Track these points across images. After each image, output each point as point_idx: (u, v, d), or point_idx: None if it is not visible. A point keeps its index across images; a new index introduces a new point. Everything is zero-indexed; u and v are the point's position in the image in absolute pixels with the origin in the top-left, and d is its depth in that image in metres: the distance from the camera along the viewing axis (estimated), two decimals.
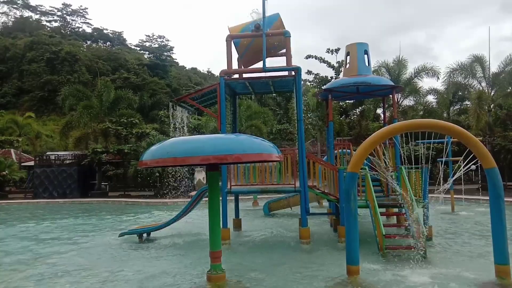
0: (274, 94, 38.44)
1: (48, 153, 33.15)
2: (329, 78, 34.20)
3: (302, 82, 10.85)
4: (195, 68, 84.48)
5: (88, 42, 79.90)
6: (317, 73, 37.14)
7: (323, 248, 9.16)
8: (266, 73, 10.70)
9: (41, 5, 78.05)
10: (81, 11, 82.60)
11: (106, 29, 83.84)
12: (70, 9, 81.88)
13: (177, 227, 12.47)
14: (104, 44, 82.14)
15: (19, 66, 61.67)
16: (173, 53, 79.43)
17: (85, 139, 31.84)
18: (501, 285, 6.04)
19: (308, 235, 9.90)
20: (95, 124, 30.83)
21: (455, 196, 15.74)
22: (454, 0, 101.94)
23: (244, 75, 11.37)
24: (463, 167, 8.08)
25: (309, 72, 37.04)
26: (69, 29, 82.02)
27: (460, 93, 30.65)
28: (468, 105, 29.15)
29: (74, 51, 61.78)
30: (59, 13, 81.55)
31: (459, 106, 34.02)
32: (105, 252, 9.47)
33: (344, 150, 13.22)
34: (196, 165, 7.84)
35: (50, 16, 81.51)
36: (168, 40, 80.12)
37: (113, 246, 10.19)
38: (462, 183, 15.34)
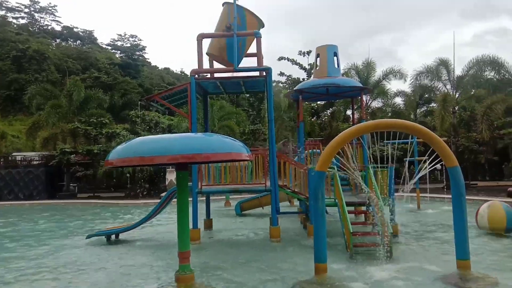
0: (247, 95, 38.51)
1: (14, 153, 32.08)
2: (301, 80, 34.52)
3: (274, 84, 10.96)
4: (168, 68, 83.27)
5: (58, 41, 77.51)
6: (290, 75, 37.46)
7: (293, 247, 9.27)
8: (237, 73, 10.75)
9: (7, 1, 74.72)
10: (50, 8, 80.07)
11: (77, 28, 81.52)
12: (38, 6, 79.25)
13: (146, 228, 12.36)
14: (74, 43, 79.88)
15: None
16: (145, 52, 78.06)
17: (53, 139, 30.92)
18: (461, 278, 6.27)
19: (278, 234, 10.00)
20: (64, 124, 30.05)
21: (421, 194, 16.24)
22: (418, 6, 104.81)
23: (215, 75, 11.39)
24: (427, 166, 8.35)
25: (281, 74, 37.31)
26: (37, 26, 79.36)
27: (426, 95, 31.48)
28: (434, 107, 30.06)
29: (43, 49, 59.87)
30: (26, 10, 78.75)
31: (425, 108, 34.97)
32: (71, 254, 9.27)
33: (314, 150, 13.41)
34: (164, 164, 7.78)
35: (16, 12, 78.64)
36: (140, 40, 78.57)
37: (80, 248, 9.99)
38: (427, 182, 15.84)
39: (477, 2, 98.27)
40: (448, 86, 26.77)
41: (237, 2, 10.61)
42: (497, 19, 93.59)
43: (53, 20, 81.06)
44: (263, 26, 11.06)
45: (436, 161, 7.39)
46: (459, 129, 27.55)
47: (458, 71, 26.70)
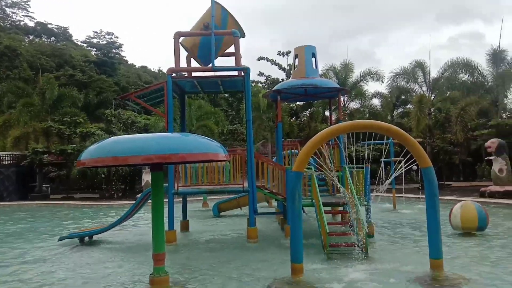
0: (226, 95, 38.35)
1: None
2: (281, 80, 34.66)
3: (253, 84, 10.95)
4: (146, 67, 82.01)
5: (31, 37, 75.34)
6: (269, 75, 37.56)
7: (270, 247, 9.23)
8: (215, 72, 10.65)
9: None
10: (22, 3, 77.81)
11: (51, 24, 79.29)
12: (10, 1, 76.77)
13: (120, 230, 12.12)
14: (48, 39, 77.75)
15: None
16: (122, 50, 76.71)
17: (25, 138, 30.07)
18: (434, 277, 6.36)
19: (255, 234, 9.95)
20: (36, 123, 29.24)
21: (396, 194, 16.46)
22: (396, 8, 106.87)
23: (193, 74, 11.26)
24: (402, 167, 8.45)
25: (260, 74, 37.38)
26: (9, 22, 76.94)
27: (403, 97, 32.11)
28: (410, 109, 30.64)
29: (15, 46, 58.06)
30: None
31: (402, 109, 35.62)
32: (43, 256, 8.99)
33: (292, 150, 13.41)
34: (139, 165, 7.63)
35: None
36: (117, 37, 77.03)
37: (52, 250, 9.69)
38: (403, 182, 16.06)
39: (452, 6, 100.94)
40: (424, 88, 27.35)
41: (221, 4, 10.57)
42: (471, 23, 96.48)
43: (26, 16, 78.69)
44: (243, 36, 11.00)
45: (411, 161, 7.48)
46: (434, 130, 28.14)
47: (434, 73, 27.34)
